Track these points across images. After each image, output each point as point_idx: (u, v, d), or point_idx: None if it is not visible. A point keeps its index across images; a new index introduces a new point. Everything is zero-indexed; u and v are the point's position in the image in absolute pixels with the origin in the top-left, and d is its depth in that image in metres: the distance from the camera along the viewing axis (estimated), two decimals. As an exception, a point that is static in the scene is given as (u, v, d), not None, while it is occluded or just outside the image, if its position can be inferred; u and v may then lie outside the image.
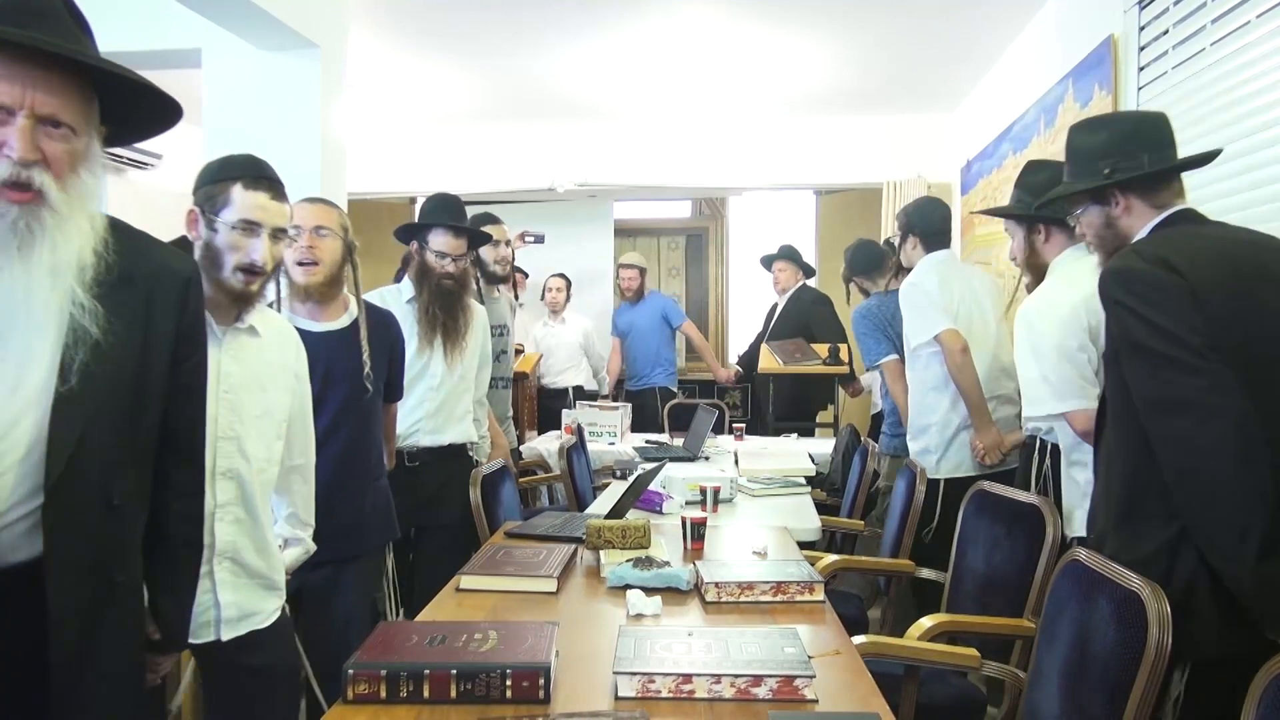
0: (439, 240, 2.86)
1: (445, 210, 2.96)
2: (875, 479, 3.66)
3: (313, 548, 2.03)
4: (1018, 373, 2.39)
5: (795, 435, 5.06)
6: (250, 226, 1.70)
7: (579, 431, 4.28)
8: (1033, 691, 1.78)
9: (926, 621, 2.11)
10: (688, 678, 1.43)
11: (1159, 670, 1.44)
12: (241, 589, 1.73)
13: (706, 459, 4.05)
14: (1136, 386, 1.62)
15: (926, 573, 2.82)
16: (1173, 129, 1.88)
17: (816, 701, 1.41)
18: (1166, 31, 2.84)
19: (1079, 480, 2.24)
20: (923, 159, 5.95)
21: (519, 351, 5.16)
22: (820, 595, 1.94)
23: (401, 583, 2.67)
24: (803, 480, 3.52)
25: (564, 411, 4.84)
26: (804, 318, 5.51)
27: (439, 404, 2.85)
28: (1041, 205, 2.24)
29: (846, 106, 5.85)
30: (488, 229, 3.34)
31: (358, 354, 2.28)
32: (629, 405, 5.03)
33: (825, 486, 4.16)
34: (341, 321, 2.33)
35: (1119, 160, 1.84)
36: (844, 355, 5.25)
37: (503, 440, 3.34)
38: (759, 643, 1.54)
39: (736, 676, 1.42)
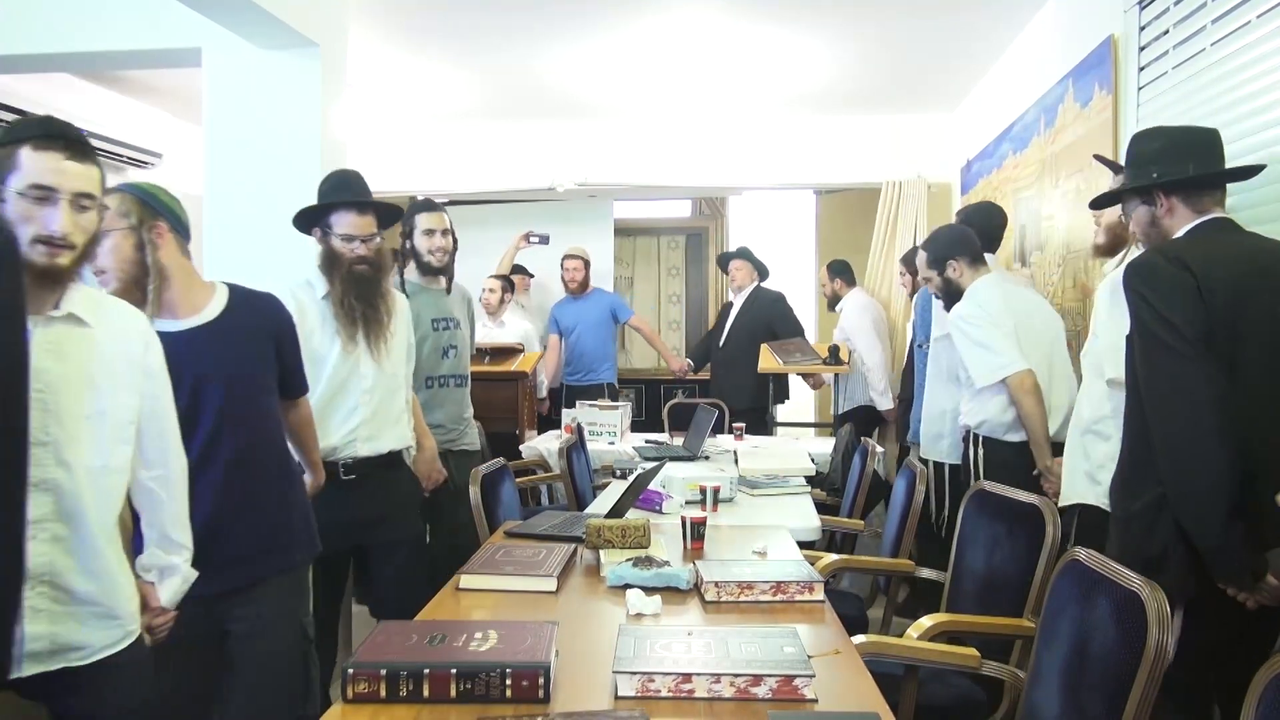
0: (343, 221, 2.55)
1: (345, 188, 2.62)
2: (875, 479, 3.66)
3: (192, 574, 1.77)
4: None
5: (741, 430, 4.90)
6: (44, 192, 1.49)
7: (579, 431, 4.28)
8: (1032, 691, 1.78)
9: (926, 621, 2.11)
10: (687, 677, 1.43)
11: (1158, 670, 1.44)
12: (62, 618, 1.49)
13: (706, 458, 4.05)
14: (1140, 365, 1.91)
15: (926, 572, 2.82)
16: (1223, 144, 2.07)
17: (816, 701, 1.41)
18: (1167, 31, 2.84)
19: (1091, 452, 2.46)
20: (923, 159, 5.95)
21: (519, 350, 5.15)
22: (820, 595, 1.94)
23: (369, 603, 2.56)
24: (803, 480, 3.52)
25: (564, 411, 4.83)
26: (764, 316, 5.60)
27: (374, 408, 2.58)
28: (1099, 200, 2.40)
29: (846, 106, 5.85)
30: (423, 216, 3.18)
31: (234, 348, 2.01)
32: (629, 405, 5.02)
33: (825, 486, 4.16)
34: (206, 315, 2.00)
35: (1167, 166, 2.04)
36: (843, 354, 5.25)
37: (430, 443, 2.94)
38: (759, 642, 1.54)
39: (736, 676, 1.42)
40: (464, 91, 5.61)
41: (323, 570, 2.51)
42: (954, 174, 5.75)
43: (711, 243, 8.04)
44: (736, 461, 3.86)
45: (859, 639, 1.91)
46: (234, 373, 2.00)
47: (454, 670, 1.41)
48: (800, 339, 5.61)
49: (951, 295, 3.27)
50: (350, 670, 1.41)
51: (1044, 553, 2.15)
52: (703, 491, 2.93)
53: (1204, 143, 2.10)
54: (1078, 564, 1.70)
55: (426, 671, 1.41)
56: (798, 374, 5.64)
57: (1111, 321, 2.29)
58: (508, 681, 1.41)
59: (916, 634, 2.08)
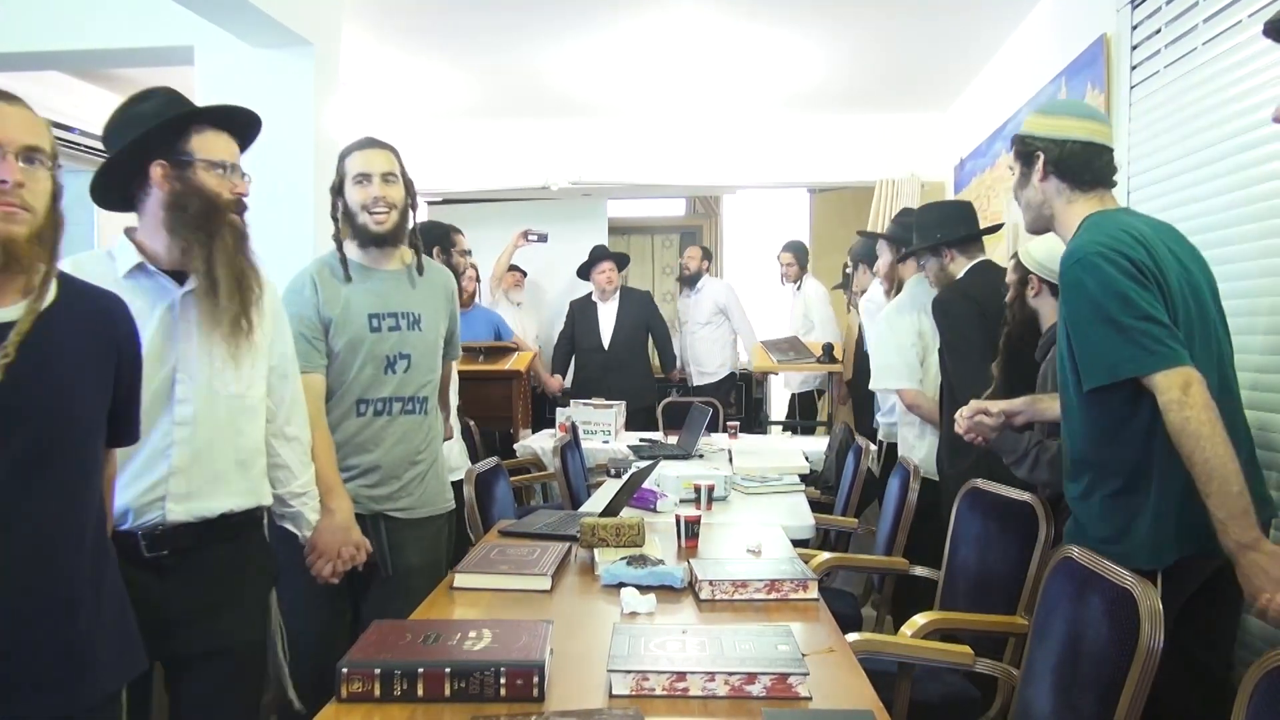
0: (207, 144, 1.72)
1: (178, 102, 1.77)
2: (869, 477, 3.67)
3: None
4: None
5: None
6: None
7: (573, 430, 4.28)
8: (1025, 688, 1.79)
9: (920, 619, 2.12)
10: (682, 675, 1.43)
11: (1150, 667, 1.45)
12: None
13: (701, 457, 4.05)
14: (951, 368, 2.92)
15: (920, 570, 2.83)
16: (975, 211, 3.23)
17: (810, 699, 1.42)
18: (1159, 31, 2.85)
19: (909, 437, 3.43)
20: (916, 157, 5.96)
21: (514, 349, 5.15)
22: (814, 593, 1.94)
23: None
24: (797, 478, 3.52)
25: (558, 410, 4.84)
26: (642, 315, 5.72)
27: (196, 448, 1.71)
28: (909, 251, 3.33)
29: (840, 105, 5.86)
30: (355, 156, 2.35)
31: (50, 368, 1.34)
32: (623, 404, 5.03)
33: (819, 484, 4.17)
34: (8, 314, 1.32)
35: (947, 230, 3.08)
36: (838, 353, 5.26)
37: (342, 503, 2.08)
38: (753, 640, 1.54)
39: (730, 674, 1.43)
40: (457, 90, 5.60)
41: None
42: (947, 173, 5.76)
43: (706, 241, 8.05)
44: (731, 460, 3.86)
45: (853, 637, 1.91)
46: (49, 407, 1.35)
47: (448, 669, 1.41)
48: (793, 338, 5.62)
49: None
50: (345, 670, 1.41)
51: (1037, 550, 2.15)
52: (697, 490, 2.93)
53: (967, 211, 3.16)
54: (1070, 562, 1.71)
55: (421, 670, 1.41)
56: (790, 372, 5.67)
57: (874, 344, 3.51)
58: (502, 680, 1.41)
59: (910, 632, 2.08)
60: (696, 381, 6.09)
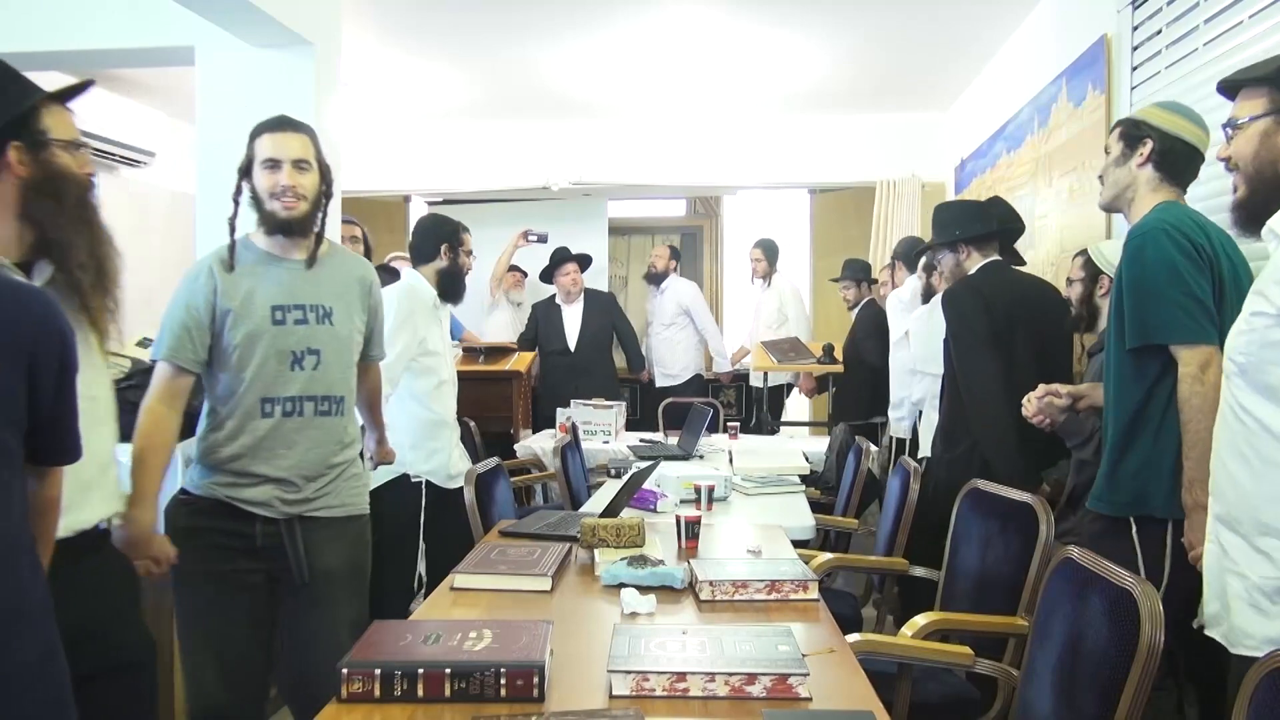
0: (58, 121, 1.57)
1: (15, 77, 1.55)
2: (869, 477, 3.67)
3: None
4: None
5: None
6: None
7: (573, 430, 4.28)
8: (1026, 689, 1.78)
9: (920, 619, 2.12)
10: (682, 676, 1.43)
11: (1151, 668, 1.45)
12: None
13: (701, 457, 4.05)
14: (955, 357, 3.02)
15: (920, 571, 2.83)
16: (992, 210, 3.25)
17: (810, 700, 1.42)
18: (1160, 31, 2.85)
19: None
20: (917, 158, 5.96)
21: (511, 350, 5.15)
22: (814, 593, 1.94)
23: None
24: (797, 479, 3.52)
25: (558, 410, 4.84)
26: (607, 317, 5.74)
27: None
28: (923, 248, 3.73)
29: (841, 105, 5.86)
30: (264, 139, 2.11)
31: None
32: (623, 404, 5.04)
33: (819, 485, 4.17)
34: None
35: (965, 227, 3.17)
36: (838, 354, 5.26)
37: (141, 513, 1.91)
38: (753, 641, 1.54)
39: (731, 675, 1.42)
40: (458, 90, 5.60)
41: None
42: (948, 173, 5.77)
43: (706, 242, 8.04)
44: (731, 460, 3.86)
45: (853, 637, 1.91)
46: None
47: (449, 670, 1.41)
48: (794, 339, 5.62)
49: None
50: (345, 670, 1.41)
51: (1037, 551, 2.15)
52: (697, 490, 2.93)
53: (983, 210, 3.25)
54: (1071, 562, 1.70)
55: (421, 671, 1.41)
56: (792, 372, 5.67)
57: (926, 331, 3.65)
58: (502, 681, 1.41)
59: (910, 632, 2.08)
60: (660, 383, 6.07)
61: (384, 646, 1.49)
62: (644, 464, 3.03)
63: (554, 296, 5.82)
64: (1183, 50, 2.70)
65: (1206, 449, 1.66)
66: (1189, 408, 1.78)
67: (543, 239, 6.18)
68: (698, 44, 4.71)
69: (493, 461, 3.09)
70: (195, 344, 2.06)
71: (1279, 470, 1.41)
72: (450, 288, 3.18)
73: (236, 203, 2.14)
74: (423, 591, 3.09)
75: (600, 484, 3.80)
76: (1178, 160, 2.00)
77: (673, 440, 4.47)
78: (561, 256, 5.77)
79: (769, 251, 6.11)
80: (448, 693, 1.40)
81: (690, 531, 2.35)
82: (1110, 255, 2.46)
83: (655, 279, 6.18)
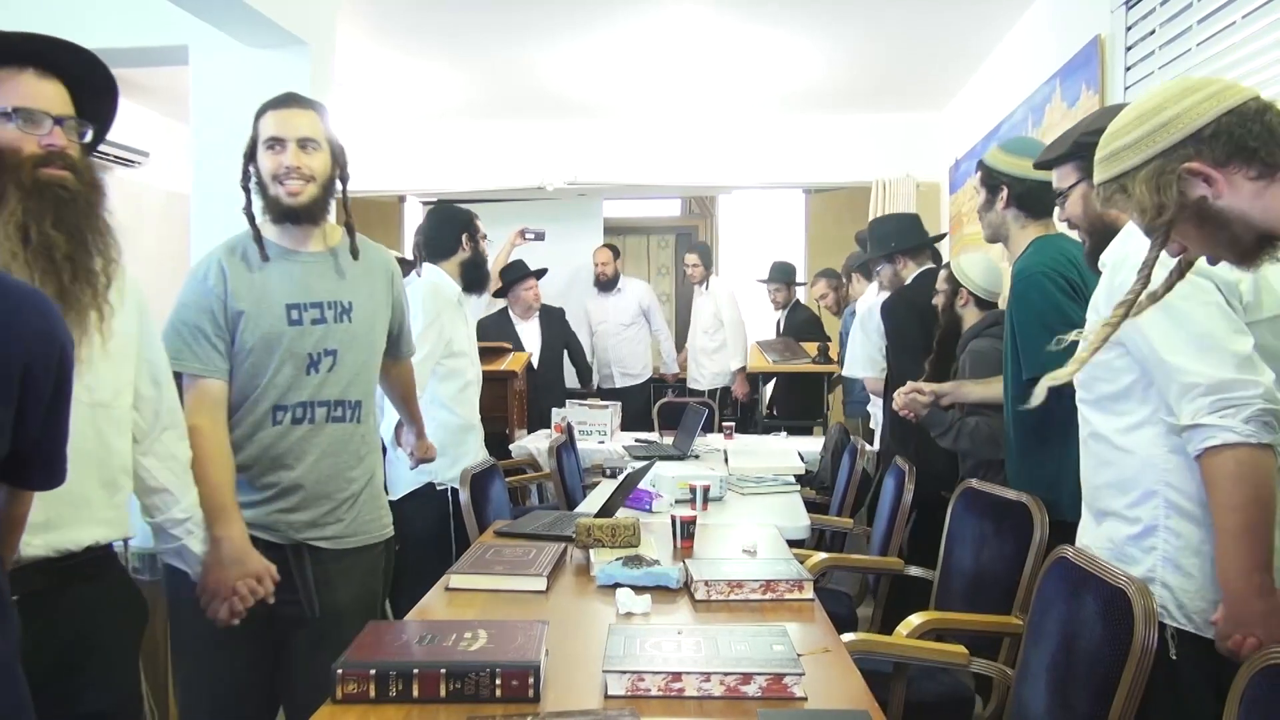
0: (11, 91, 1.42)
1: None
2: (864, 477, 3.68)
3: None
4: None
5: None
6: None
7: (569, 430, 4.28)
8: (1020, 688, 1.79)
9: (915, 619, 2.12)
10: (677, 676, 1.43)
11: (1145, 666, 1.45)
12: None
13: (696, 457, 4.05)
14: (892, 360, 3.48)
15: (915, 570, 2.83)
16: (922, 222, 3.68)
17: (805, 699, 1.42)
18: (1153, 32, 2.85)
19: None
20: (911, 158, 5.97)
21: (508, 350, 5.14)
22: (809, 593, 1.94)
23: None
24: (792, 478, 3.53)
25: (554, 410, 4.84)
26: (561, 334, 5.69)
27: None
28: (865, 259, 4.17)
29: (836, 105, 5.87)
30: (269, 117, 1.97)
31: None
32: (619, 404, 5.03)
33: (815, 485, 4.17)
34: None
35: (901, 240, 3.50)
36: (833, 354, 5.28)
37: (232, 530, 1.79)
38: (748, 641, 1.54)
39: (726, 674, 1.43)
40: (452, 90, 5.60)
41: None
42: (942, 173, 5.78)
43: (702, 240, 8.05)
44: (726, 460, 3.86)
45: (848, 637, 1.91)
46: None
47: (444, 670, 1.41)
48: (788, 339, 5.64)
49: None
50: (340, 670, 1.41)
51: (1032, 550, 2.16)
52: (692, 490, 2.94)
53: (917, 223, 3.63)
54: (1065, 561, 1.71)
55: (416, 671, 1.40)
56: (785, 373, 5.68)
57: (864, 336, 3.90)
58: (498, 681, 1.41)
59: (905, 632, 2.08)
60: (619, 384, 6.03)
61: (379, 647, 1.49)
62: (639, 464, 3.03)
63: (506, 310, 5.58)
64: (1176, 50, 2.70)
65: None
66: None
67: (539, 237, 6.17)
68: (693, 44, 4.71)
69: (488, 461, 3.08)
70: (219, 349, 1.90)
71: (1108, 466, 1.66)
72: (475, 278, 3.10)
73: (247, 190, 1.94)
74: None
75: (595, 484, 3.80)
76: (1032, 197, 2.27)
77: (668, 440, 4.48)
78: (522, 272, 5.59)
79: (704, 256, 6.22)
80: (443, 693, 1.40)
81: (685, 531, 2.35)
82: (975, 276, 2.89)
83: (608, 284, 6.10)
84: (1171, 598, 1.54)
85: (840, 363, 5.09)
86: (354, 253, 2.02)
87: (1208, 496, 1.47)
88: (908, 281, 3.48)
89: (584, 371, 5.95)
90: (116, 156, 5.43)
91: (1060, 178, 1.92)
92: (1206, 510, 1.50)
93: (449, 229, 3.08)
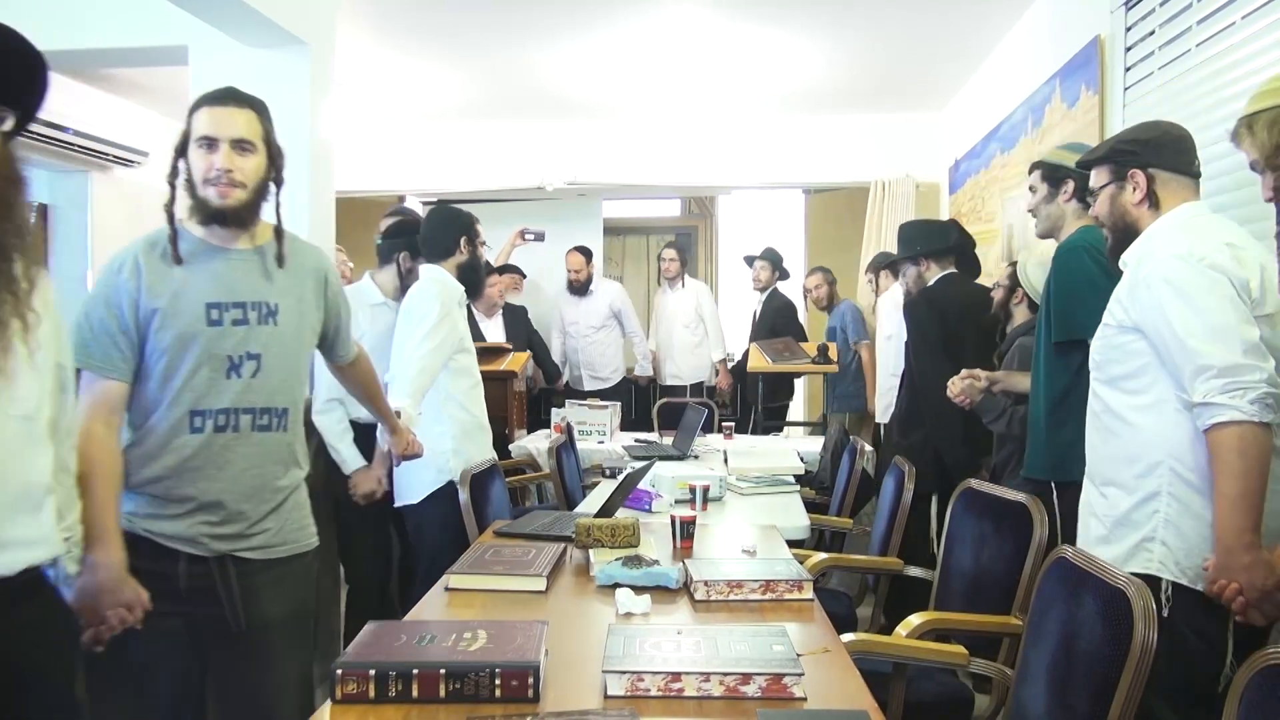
0: None
1: None
2: (864, 477, 3.67)
3: None
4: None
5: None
6: None
7: (568, 430, 4.28)
8: (1020, 688, 1.79)
9: (915, 619, 2.12)
10: (677, 676, 1.43)
11: (1144, 666, 1.45)
12: None
13: (696, 457, 4.05)
14: (913, 358, 3.55)
15: (915, 570, 2.83)
16: (952, 230, 3.77)
17: (805, 699, 1.42)
18: (1153, 32, 2.85)
19: None
20: (911, 158, 5.97)
21: (506, 350, 5.14)
22: (809, 593, 1.94)
23: None
24: (791, 479, 3.52)
25: (553, 410, 4.83)
26: (525, 331, 5.69)
27: None
28: (893, 261, 4.37)
29: (835, 105, 5.87)
30: (201, 114, 1.86)
31: None
32: (618, 404, 5.03)
33: (814, 485, 4.17)
34: None
35: (926, 243, 3.67)
36: (832, 354, 5.28)
37: (107, 555, 1.64)
38: (748, 641, 1.54)
39: (725, 675, 1.43)
40: (452, 90, 5.60)
41: None
42: (942, 173, 5.78)
43: (701, 242, 8.06)
44: (726, 460, 3.86)
45: (848, 637, 1.91)
46: None
47: (443, 670, 1.41)
48: (788, 339, 5.64)
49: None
50: (339, 670, 1.41)
51: (1031, 550, 2.16)
52: (692, 490, 2.94)
53: (942, 229, 3.79)
54: (1065, 561, 1.71)
55: (415, 672, 1.40)
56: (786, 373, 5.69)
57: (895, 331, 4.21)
58: (497, 681, 1.41)
59: (905, 632, 2.08)
60: (588, 386, 5.96)
61: (379, 647, 1.49)
62: (639, 464, 3.03)
63: (469, 307, 5.59)
64: (1175, 51, 2.70)
65: None
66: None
67: (539, 237, 6.16)
68: (692, 44, 4.71)
69: (488, 461, 3.08)
70: (123, 349, 1.78)
71: (1117, 439, 1.86)
72: (472, 282, 3.06)
73: (173, 186, 1.84)
74: None
75: (595, 484, 3.79)
76: (1088, 192, 2.43)
77: (668, 440, 4.48)
78: (510, 268, 5.64)
79: (683, 252, 6.24)
80: (443, 693, 1.40)
81: (685, 531, 2.35)
82: (1035, 281, 2.95)
83: (581, 288, 5.96)
84: (1170, 555, 1.74)
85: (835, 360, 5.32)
86: (279, 260, 1.90)
87: (1212, 465, 1.65)
88: (930, 283, 3.65)
89: (549, 370, 5.89)
90: (116, 156, 5.43)
91: (1096, 177, 2.06)
92: (1205, 479, 1.70)
93: (448, 230, 3.07)
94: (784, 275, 6.03)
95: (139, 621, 1.67)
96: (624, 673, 1.44)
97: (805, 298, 6.02)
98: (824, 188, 6.82)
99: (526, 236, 6.15)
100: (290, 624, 1.90)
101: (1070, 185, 2.47)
